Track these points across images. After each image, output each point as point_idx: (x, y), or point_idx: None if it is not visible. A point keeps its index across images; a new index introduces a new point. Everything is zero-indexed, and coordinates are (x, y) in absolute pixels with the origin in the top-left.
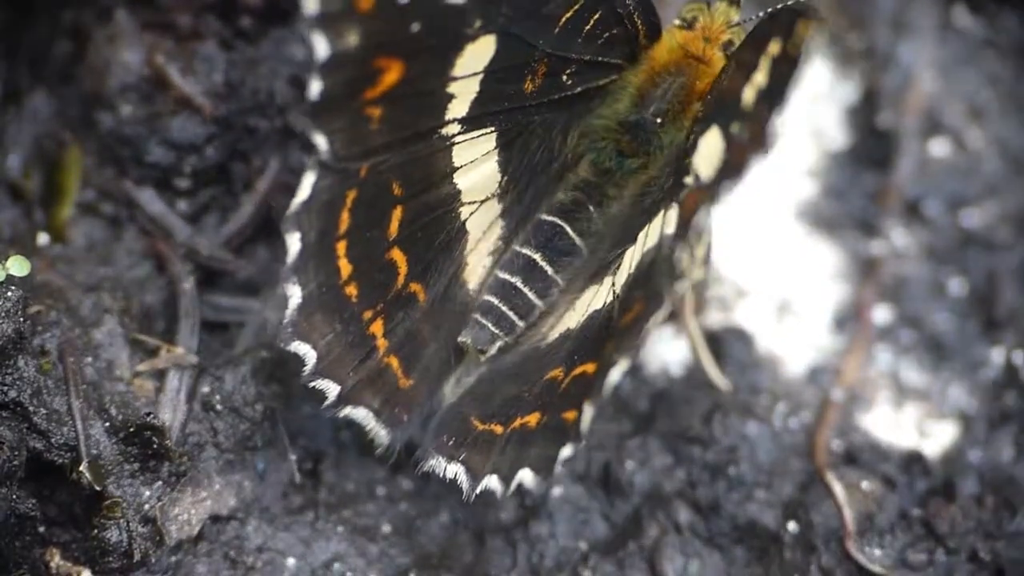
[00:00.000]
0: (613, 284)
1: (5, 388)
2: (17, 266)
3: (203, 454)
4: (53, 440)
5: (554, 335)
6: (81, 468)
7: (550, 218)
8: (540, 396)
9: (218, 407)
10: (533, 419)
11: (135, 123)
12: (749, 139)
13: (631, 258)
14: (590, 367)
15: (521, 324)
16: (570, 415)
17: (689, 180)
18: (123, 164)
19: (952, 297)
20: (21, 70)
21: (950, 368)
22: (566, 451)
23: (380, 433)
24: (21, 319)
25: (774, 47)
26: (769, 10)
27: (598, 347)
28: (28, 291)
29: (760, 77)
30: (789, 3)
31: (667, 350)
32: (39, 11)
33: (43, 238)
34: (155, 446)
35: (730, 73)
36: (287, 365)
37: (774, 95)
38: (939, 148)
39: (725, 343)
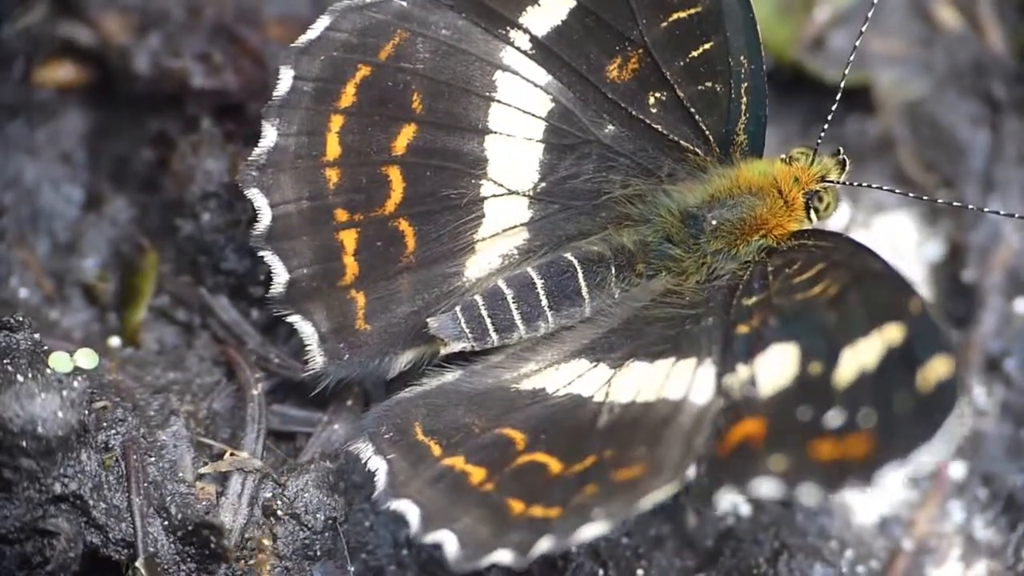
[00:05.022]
0: (608, 385)
1: (66, 480)
2: (85, 358)
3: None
4: (111, 535)
5: (525, 385)
6: (137, 564)
7: (569, 257)
8: (490, 450)
9: (279, 513)
10: (475, 474)
11: (214, 231)
12: (855, 433)
13: (639, 381)
14: (554, 464)
15: (494, 337)
16: (516, 505)
17: (740, 369)
18: (199, 271)
19: None
20: (103, 177)
21: None
22: (499, 555)
23: (316, 358)
24: (86, 412)
25: (894, 333)
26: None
27: (569, 447)
28: (96, 388)
29: (868, 350)
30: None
31: None
32: (124, 119)
33: (115, 341)
34: (213, 546)
35: (806, 269)
36: (352, 476)
37: (887, 408)
38: (1023, 306)
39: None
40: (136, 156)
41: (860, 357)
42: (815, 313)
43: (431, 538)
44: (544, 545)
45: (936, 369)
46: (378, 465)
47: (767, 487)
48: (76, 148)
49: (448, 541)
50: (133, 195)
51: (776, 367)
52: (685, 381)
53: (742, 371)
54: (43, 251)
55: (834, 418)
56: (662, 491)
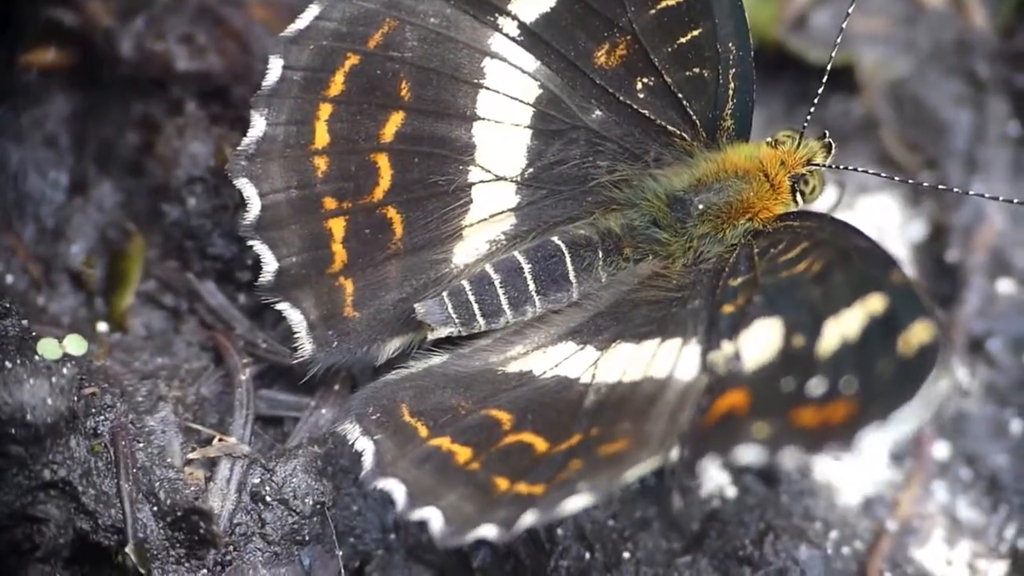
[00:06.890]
0: (594, 367)
1: (55, 467)
2: (74, 345)
3: (249, 545)
4: (100, 521)
5: (512, 368)
6: (127, 550)
7: (557, 241)
8: (476, 430)
9: (267, 498)
10: (461, 454)
11: (200, 216)
12: (837, 399)
13: (626, 362)
14: (540, 443)
15: (481, 322)
16: (501, 483)
17: (724, 341)
18: (186, 256)
19: (1012, 437)
20: (88, 161)
21: (1007, 508)
22: (484, 530)
23: (305, 345)
24: (75, 398)
25: (876, 303)
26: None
27: (555, 426)
28: (84, 374)
29: (850, 321)
30: (906, 283)
31: (721, 470)
32: (109, 102)
33: (102, 326)
34: (202, 531)
35: (791, 249)
36: (339, 461)
37: (869, 374)
38: (1006, 287)
39: (782, 468)
40: (121, 140)
41: (843, 327)
42: (799, 288)
43: (417, 515)
44: (528, 519)
45: (918, 334)
46: (365, 446)
47: (750, 453)
48: (61, 132)
49: (433, 517)
50: (119, 179)
51: (760, 341)
52: (671, 360)
53: (727, 347)
54: (29, 236)
55: (817, 386)
56: (647, 463)
